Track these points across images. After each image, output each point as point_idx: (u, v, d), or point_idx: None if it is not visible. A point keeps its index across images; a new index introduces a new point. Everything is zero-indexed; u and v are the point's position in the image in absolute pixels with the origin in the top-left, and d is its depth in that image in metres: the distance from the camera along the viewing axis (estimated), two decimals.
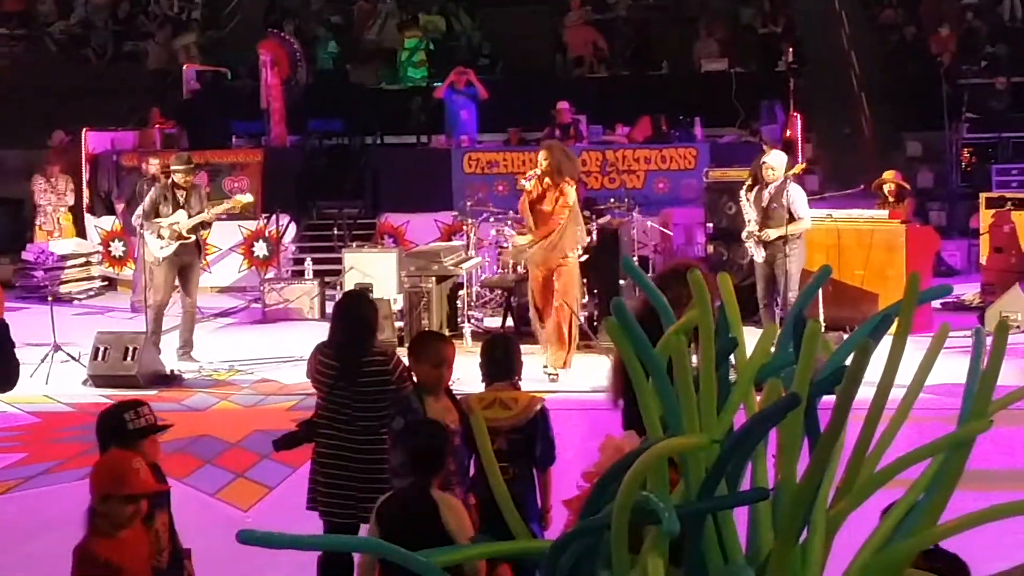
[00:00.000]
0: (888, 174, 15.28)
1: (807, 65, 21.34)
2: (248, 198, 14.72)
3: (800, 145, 17.92)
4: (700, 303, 3.74)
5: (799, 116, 18.28)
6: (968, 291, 15.39)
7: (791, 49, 20.42)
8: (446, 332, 13.56)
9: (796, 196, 12.35)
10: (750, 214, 12.45)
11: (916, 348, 3.81)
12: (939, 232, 16.55)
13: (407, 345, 6.23)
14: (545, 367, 11.87)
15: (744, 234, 12.62)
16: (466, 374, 7.20)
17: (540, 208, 11.79)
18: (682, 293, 4.33)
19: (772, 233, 12.21)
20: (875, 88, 21.87)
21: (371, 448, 6.05)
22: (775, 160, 12.56)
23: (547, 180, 11.70)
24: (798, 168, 13.10)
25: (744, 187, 12.67)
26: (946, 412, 4.09)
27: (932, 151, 20.55)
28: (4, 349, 5.95)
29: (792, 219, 12.24)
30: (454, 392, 6.07)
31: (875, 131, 21.19)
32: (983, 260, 15.45)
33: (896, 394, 3.73)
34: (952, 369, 4.12)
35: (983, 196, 15.83)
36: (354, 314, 6.39)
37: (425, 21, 22.56)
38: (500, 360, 6.16)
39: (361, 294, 7.62)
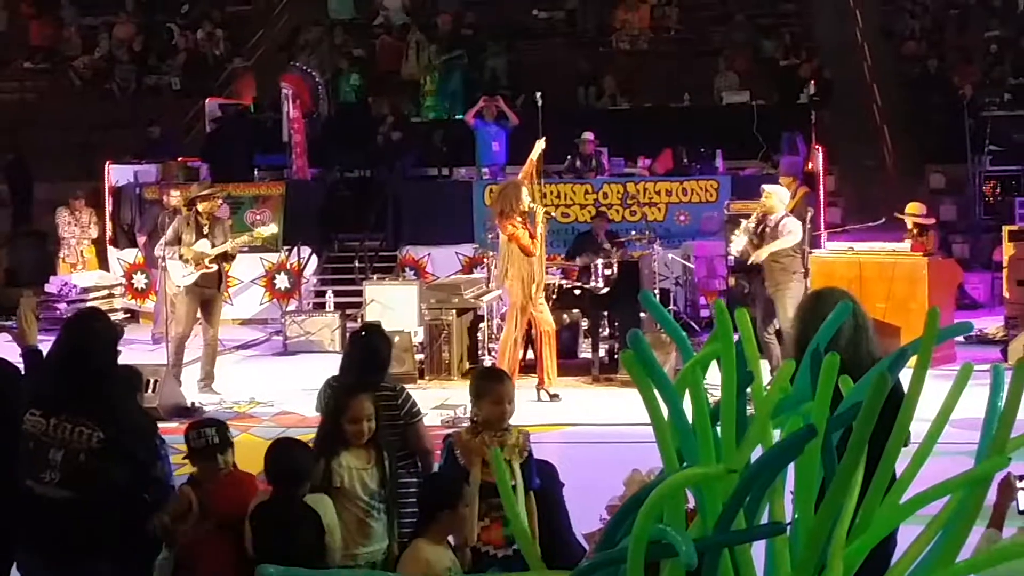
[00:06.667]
0: (911, 207, 15.15)
1: (829, 97, 21.33)
2: (272, 229, 14.77)
3: (822, 177, 17.89)
4: (722, 335, 3.72)
5: (821, 148, 18.26)
6: (991, 324, 15.31)
7: (813, 81, 20.43)
8: (467, 365, 13.59)
9: (792, 225, 12.33)
10: (739, 238, 12.50)
11: (937, 380, 3.79)
12: (962, 265, 16.47)
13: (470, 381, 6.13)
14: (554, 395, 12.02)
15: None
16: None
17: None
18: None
19: (762, 254, 12.19)
20: (898, 120, 21.84)
21: None
22: (780, 192, 12.71)
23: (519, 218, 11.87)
24: (792, 203, 13.27)
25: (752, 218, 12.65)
26: (966, 446, 4.06)
27: (955, 183, 20.49)
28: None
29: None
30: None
31: (898, 163, 21.14)
32: (1006, 294, 15.37)
33: (916, 428, 3.70)
34: (973, 403, 4.08)
35: (1006, 229, 15.80)
36: (365, 349, 6.39)
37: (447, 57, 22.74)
38: None
39: (374, 327, 7.58)
